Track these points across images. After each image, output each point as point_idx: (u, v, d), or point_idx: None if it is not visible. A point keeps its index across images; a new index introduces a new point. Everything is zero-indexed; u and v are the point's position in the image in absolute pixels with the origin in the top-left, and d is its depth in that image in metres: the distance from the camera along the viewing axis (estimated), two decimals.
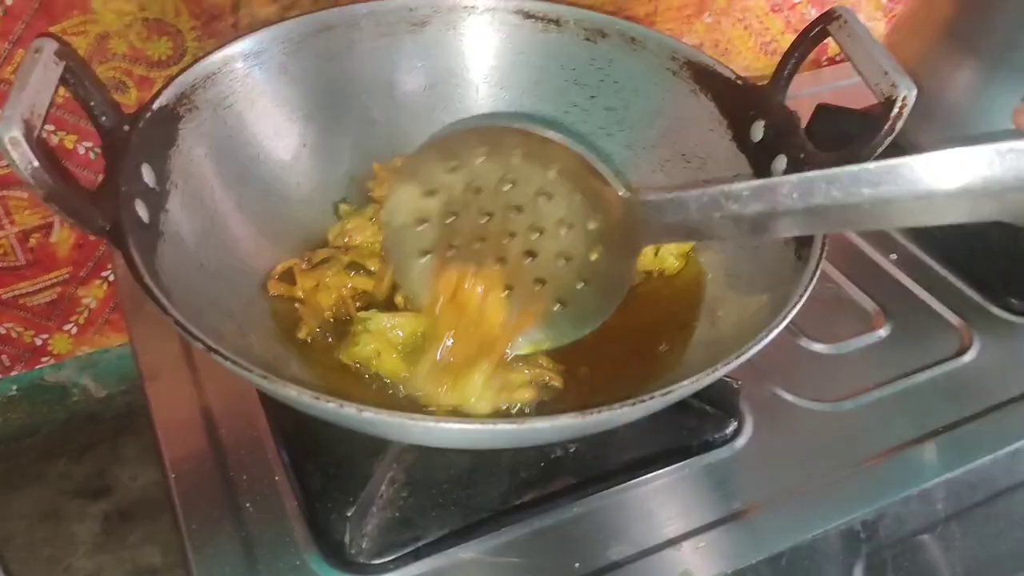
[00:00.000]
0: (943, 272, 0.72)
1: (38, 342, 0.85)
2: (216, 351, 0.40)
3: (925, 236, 0.75)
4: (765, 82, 0.60)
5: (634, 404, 0.41)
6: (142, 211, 0.48)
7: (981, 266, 0.72)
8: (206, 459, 0.55)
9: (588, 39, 0.68)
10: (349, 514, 0.50)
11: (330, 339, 0.57)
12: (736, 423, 0.58)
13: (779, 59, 0.59)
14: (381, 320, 0.55)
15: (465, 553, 0.50)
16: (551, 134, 0.49)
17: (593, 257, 0.51)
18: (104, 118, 0.50)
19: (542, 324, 0.52)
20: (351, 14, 0.66)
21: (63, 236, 0.78)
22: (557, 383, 0.54)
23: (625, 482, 0.55)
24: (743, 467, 0.57)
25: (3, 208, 0.74)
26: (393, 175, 0.65)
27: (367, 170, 0.67)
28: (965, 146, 0.34)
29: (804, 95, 0.86)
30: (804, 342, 0.66)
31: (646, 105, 0.67)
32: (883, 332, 0.67)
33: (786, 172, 0.57)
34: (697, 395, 0.55)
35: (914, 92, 0.50)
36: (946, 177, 0.36)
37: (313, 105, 0.65)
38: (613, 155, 0.69)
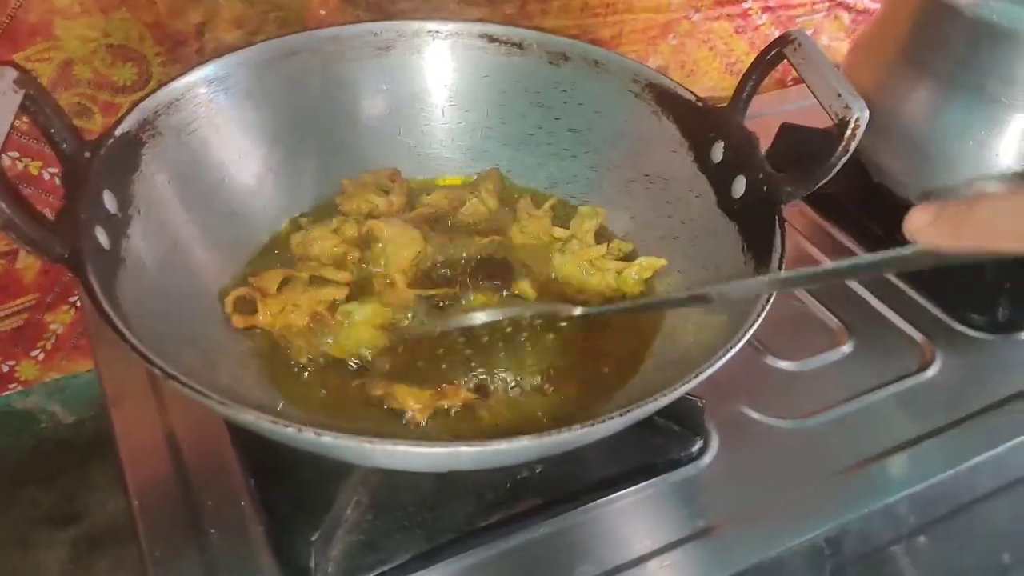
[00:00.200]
0: (905, 289, 0.73)
1: (4, 368, 0.84)
2: (173, 377, 0.40)
3: None
4: (725, 104, 0.61)
5: (593, 425, 0.41)
6: (103, 237, 0.48)
7: (943, 282, 0.73)
8: (171, 485, 0.54)
9: (551, 62, 0.68)
10: (314, 538, 0.49)
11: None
12: (702, 441, 0.59)
13: None
14: (366, 309, 0.57)
15: None
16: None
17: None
18: (65, 144, 0.50)
19: None
20: (316, 39, 0.66)
21: (29, 262, 0.78)
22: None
23: (592, 501, 0.55)
24: (709, 485, 0.57)
25: None
26: (369, 183, 0.67)
27: (333, 193, 0.67)
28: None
29: (769, 114, 0.87)
30: (769, 359, 0.66)
31: (609, 127, 0.68)
32: (847, 348, 0.68)
33: (745, 193, 0.57)
34: (662, 414, 0.55)
35: (867, 113, 0.51)
36: None
37: (278, 129, 0.65)
38: (578, 176, 0.70)
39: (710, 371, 0.44)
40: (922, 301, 0.72)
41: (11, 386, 0.86)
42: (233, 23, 0.73)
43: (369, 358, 0.57)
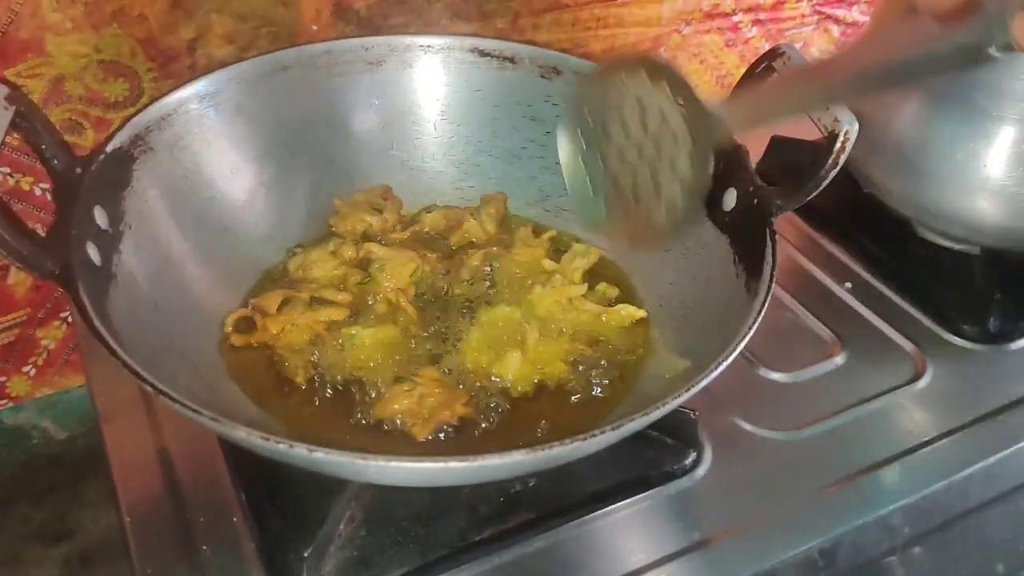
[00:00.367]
0: (897, 300, 0.73)
1: None
2: (165, 393, 0.40)
3: (879, 265, 0.76)
4: None
5: (585, 439, 0.41)
6: (94, 253, 0.48)
7: (934, 293, 0.73)
8: (163, 501, 0.54)
9: (543, 76, 0.69)
10: (306, 554, 0.49)
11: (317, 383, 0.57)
12: (695, 453, 0.59)
13: None
14: (366, 335, 0.57)
15: None
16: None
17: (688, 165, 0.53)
18: (56, 161, 0.50)
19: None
20: (307, 54, 0.66)
21: (20, 277, 0.77)
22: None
23: (586, 515, 0.55)
24: (703, 497, 0.57)
25: None
26: (362, 202, 0.67)
27: (325, 208, 0.68)
28: None
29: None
30: (762, 371, 0.66)
31: None
32: (839, 360, 0.68)
33: (736, 206, 0.58)
34: (656, 427, 0.55)
35: (856, 126, 0.52)
36: None
37: (270, 144, 0.65)
38: None
39: (702, 384, 0.44)
40: (913, 312, 0.72)
41: (2, 402, 0.86)
42: (225, 39, 0.73)
43: (365, 380, 0.57)
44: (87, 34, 0.68)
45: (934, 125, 0.69)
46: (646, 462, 0.58)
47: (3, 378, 0.84)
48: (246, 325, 0.59)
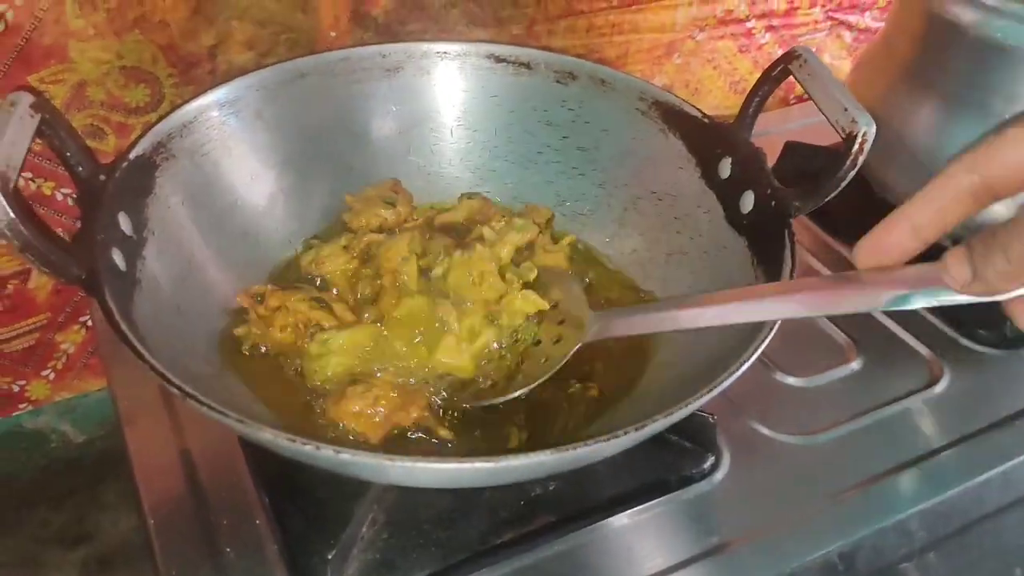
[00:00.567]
0: None
1: (15, 388, 0.84)
2: (192, 396, 0.41)
3: None
4: (731, 121, 0.61)
5: (608, 440, 0.41)
6: (119, 259, 0.49)
7: None
8: (185, 504, 0.55)
9: (559, 81, 0.69)
10: (330, 556, 0.50)
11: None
12: (714, 457, 0.59)
13: None
14: (339, 338, 0.56)
15: None
16: None
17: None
18: (80, 168, 0.50)
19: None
20: (325, 61, 0.67)
21: (41, 282, 0.78)
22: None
23: (605, 519, 0.55)
24: (722, 501, 0.57)
25: None
26: (374, 197, 0.67)
27: (343, 213, 0.68)
28: None
29: (773, 132, 0.88)
30: (779, 376, 0.66)
31: (617, 144, 0.68)
32: (856, 365, 0.68)
33: (753, 208, 0.58)
34: (674, 430, 0.56)
35: (873, 128, 0.52)
36: None
37: (289, 151, 0.66)
38: (586, 193, 0.70)
39: (722, 387, 0.45)
40: (930, 317, 0.72)
41: (21, 406, 0.86)
42: (245, 45, 0.74)
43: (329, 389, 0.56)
44: (109, 40, 0.69)
45: (949, 129, 0.69)
46: (665, 466, 0.58)
47: (23, 382, 0.84)
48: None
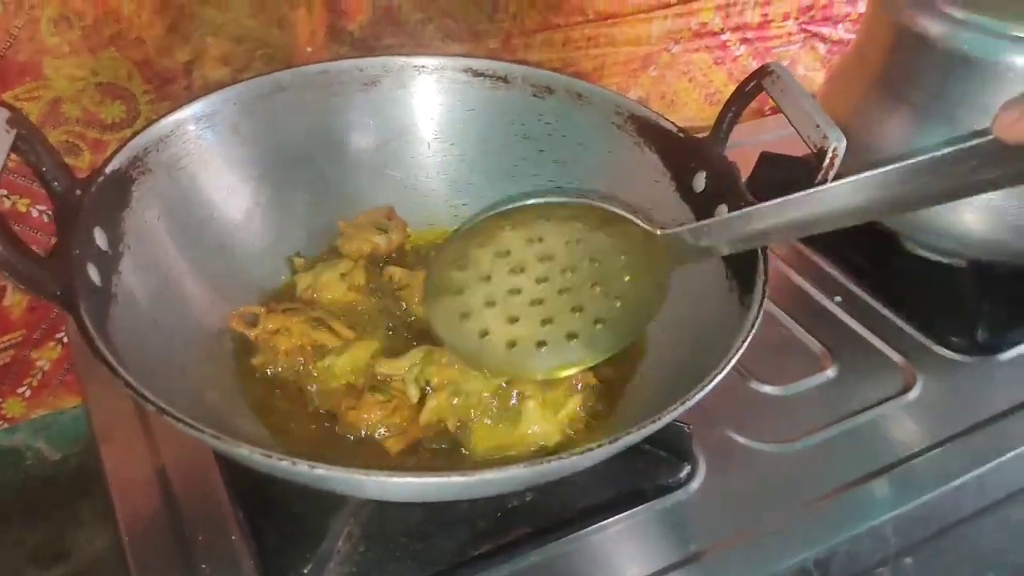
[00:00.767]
0: (886, 312, 0.74)
1: None
2: (167, 412, 0.41)
3: (868, 278, 0.77)
4: (706, 134, 0.62)
5: (582, 453, 0.42)
6: (94, 274, 0.49)
7: (922, 306, 0.74)
8: (161, 520, 0.54)
9: (536, 95, 0.70)
10: (306, 571, 0.50)
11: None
12: (689, 467, 0.59)
13: None
14: (340, 361, 0.57)
15: None
16: (564, 199, 0.56)
17: (626, 279, 0.55)
18: (56, 183, 0.50)
19: (584, 343, 0.56)
20: (303, 75, 0.67)
21: (16, 299, 0.78)
22: (592, 380, 0.57)
23: (582, 529, 0.55)
24: (698, 510, 0.58)
25: None
26: (366, 224, 0.67)
27: (322, 227, 0.68)
28: None
29: (748, 143, 0.89)
30: (754, 384, 0.67)
31: (593, 158, 0.69)
32: (830, 373, 0.69)
33: None
34: (650, 441, 0.56)
35: (843, 143, 0.53)
36: None
37: (266, 165, 0.66)
38: None
39: (697, 398, 0.45)
40: (902, 324, 0.73)
41: None
42: (221, 60, 0.74)
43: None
44: (84, 57, 0.69)
45: (920, 142, 0.70)
46: (641, 476, 0.58)
47: None
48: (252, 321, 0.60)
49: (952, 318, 0.73)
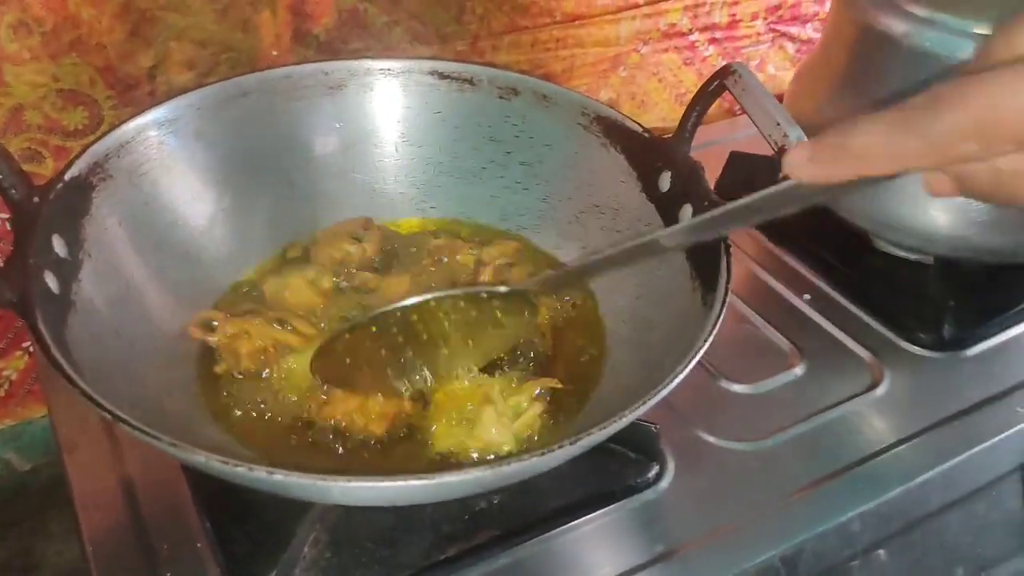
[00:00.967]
0: (854, 309, 0.75)
1: None
2: (123, 419, 0.40)
3: (836, 276, 0.78)
4: (671, 135, 0.62)
5: (543, 454, 0.41)
6: (52, 282, 0.48)
7: (890, 303, 0.74)
8: (126, 530, 0.54)
9: (502, 97, 0.70)
10: None
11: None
12: (658, 467, 0.59)
13: None
14: (303, 359, 0.57)
15: None
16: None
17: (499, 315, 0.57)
18: (13, 190, 0.50)
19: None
20: (267, 79, 0.67)
21: None
22: (554, 384, 0.57)
23: (551, 530, 0.55)
24: (667, 509, 0.58)
25: None
26: (341, 232, 0.67)
27: (286, 232, 0.68)
28: None
29: (718, 143, 0.89)
30: (723, 383, 0.67)
31: (560, 159, 0.69)
32: (799, 370, 0.69)
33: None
34: (618, 440, 0.56)
35: (805, 141, 0.53)
36: None
37: (230, 170, 0.65)
38: (530, 208, 0.71)
39: (660, 395, 0.45)
40: (870, 321, 0.73)
41: None
42: (185, 65, 0.73)
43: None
44: (45, 64, 0.68)
45: None
46: (609, 476, 0.58)
47: None
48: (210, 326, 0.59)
49: (919, 314, 0.73)
